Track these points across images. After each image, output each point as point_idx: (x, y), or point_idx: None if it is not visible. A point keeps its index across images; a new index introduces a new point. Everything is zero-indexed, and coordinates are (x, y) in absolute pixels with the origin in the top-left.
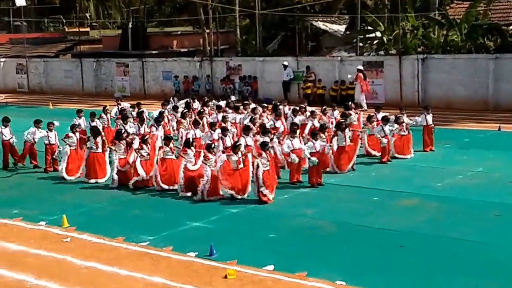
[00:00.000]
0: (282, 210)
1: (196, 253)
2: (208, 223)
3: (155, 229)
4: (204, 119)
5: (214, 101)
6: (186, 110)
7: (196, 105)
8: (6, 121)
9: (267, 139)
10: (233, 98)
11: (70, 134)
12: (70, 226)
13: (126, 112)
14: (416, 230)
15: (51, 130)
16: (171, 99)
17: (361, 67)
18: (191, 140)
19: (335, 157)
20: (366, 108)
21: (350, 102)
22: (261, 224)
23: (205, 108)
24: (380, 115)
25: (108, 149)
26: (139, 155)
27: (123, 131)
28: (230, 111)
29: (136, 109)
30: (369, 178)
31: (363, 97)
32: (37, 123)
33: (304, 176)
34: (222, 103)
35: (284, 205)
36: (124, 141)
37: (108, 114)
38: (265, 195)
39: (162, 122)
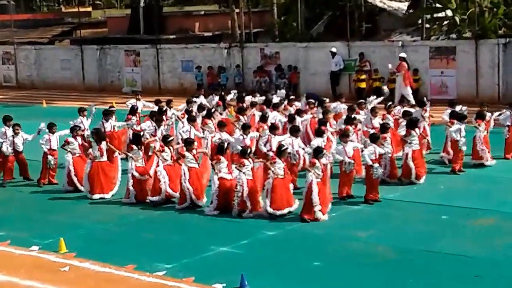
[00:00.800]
0: (329, 232)
1: (224, 284)
2: (238, 247)
3: (173, 255)
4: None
5: (254, 97)
6: (214, 109)
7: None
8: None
9: (319, 142)
10: (281, 93)
11: (70, 139)
12: (68, 252)
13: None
14: (495, 256)
15: (53, 133)
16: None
17: (404, 55)
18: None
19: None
20: (413, 102)
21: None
22: (304, 249)
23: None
24: (447, 112)
25: (119, 154)
26: (161, 158)
27: (142, 133)
28: (267, 109)
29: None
30: (437, 191)
31: (408, 91)
32: (11, 126)
33: (357, 189)
34: (258, 99)
35: (332, 226)
36: (142, 146)
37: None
38: (312, 214)
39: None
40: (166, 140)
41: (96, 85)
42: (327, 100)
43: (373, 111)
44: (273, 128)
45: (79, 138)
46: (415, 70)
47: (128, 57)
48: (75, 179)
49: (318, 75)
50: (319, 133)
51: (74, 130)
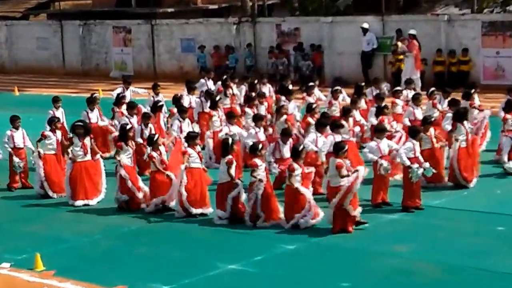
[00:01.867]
0: (361, 246)
1: None
2: (250, 265)
3: (172, 274)
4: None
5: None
6: (219, 97)
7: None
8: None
9: (338, 138)
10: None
11: (47, 132)
12: (46, 270)
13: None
14: None
15: (16, 128)
16: (205, 80)
17: (414, 32)
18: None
19: None
20: (419, 86)
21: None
22: (331, 267)
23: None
24: (504, 102)
25: (101, 157)
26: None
27: (128, 127)
28: (283, 98)
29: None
30: (492, 197)
31: (418, 74)
32: None
33: (394, 195)
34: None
35: (364, 239)
36: (133, 143)
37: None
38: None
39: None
40: (151, 140)
41: (79, 69)
42: (385, 86)
43: (416, 100)
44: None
45: (58, 132)
46: (464, 50)
47: (117, 35)
48: (45, 184)
49: (346, 56)
50: (336, 126)
51: (53, 122)
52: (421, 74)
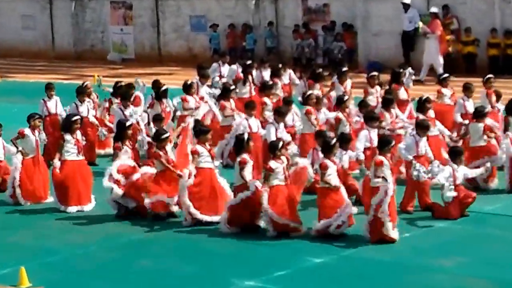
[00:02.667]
0: (400, 259)
1: None
2: (271, 281)
3: None
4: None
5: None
6: (232, 87)
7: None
8: None
9: (374, 132)
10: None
11: (26, 131)
12: (33, 286)
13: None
14: None
15: None
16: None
17: (435, 10)
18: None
19: None
20: (441, 72)
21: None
22: (365, 284)
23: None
24: None
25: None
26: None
27: (128, 123)
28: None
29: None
30: None
31: (441, 59)
32: None
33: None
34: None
35: (404, 251)
36: (131, 143)
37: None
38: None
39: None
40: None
41: (71, 51)
42: (407, 72)
43: (467, 90)
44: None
45: (38, 132)
46: None
47: (115, 12)
48: (17, 191)
49: (384, 37)
50: (371, 118)
51: (32, 119)
52: (447, 57)
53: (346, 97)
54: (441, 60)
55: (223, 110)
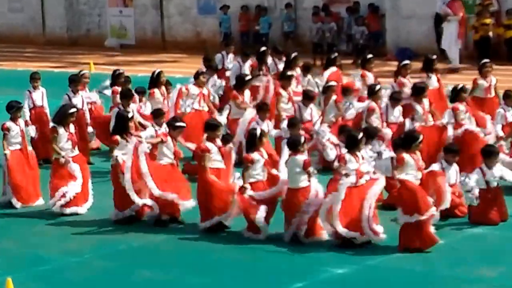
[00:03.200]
0: (435, 269)
1: None
2: None
3: None
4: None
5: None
6: (248, 77)
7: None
8: None
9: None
10: None
11: (8, 123)
12: None
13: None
14: None
15: None
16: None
17: None
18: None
19: None
20: (457, 64)
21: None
22: None
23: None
24: None
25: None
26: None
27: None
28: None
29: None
30: None
31: (459, 44)
32: None
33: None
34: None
35: (437, 260)
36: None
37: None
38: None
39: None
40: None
41: (64, 36)
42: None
43: (509, 98)
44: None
45: (21, 122)
46: None
47: None
48: (8, 190)
49: (415, 20)
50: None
51: (13, 109)
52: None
53: (378, 86)
54: (457, 47)
55: (235, 101)
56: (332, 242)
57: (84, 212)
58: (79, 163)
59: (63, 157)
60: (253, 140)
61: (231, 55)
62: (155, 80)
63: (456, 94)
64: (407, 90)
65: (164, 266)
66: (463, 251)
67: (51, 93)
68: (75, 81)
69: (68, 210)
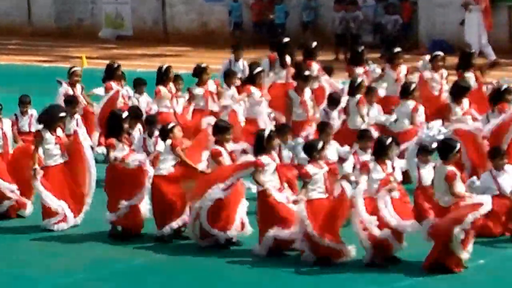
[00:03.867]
0: None
1: None
2: None
3: None
4: None
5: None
6: (258, 69)
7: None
8: None
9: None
10: None
11: None
12: None
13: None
14: None
15: None
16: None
17: None
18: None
19: None
20: (492, 56)
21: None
22: None
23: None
24: None
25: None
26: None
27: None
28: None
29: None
30: None
31: (486, 36)
32: None
33: None
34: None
35: (476, 282)
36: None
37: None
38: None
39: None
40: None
41: (53, 27)
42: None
43: None
44: None
45: (6, 122)
46: None
47: None
48: None
49: (451, 8)
50: None
51: None
52: None
53: (413, 85)
54: (483, 39)
55: (249, 97)
56: (359, 262)
57: (79, 222)
58: (67, 172)
59: (35, 169)
60: (259, 143)
61: (241, 62)
62: (163, 76)
63: (499, 96)
64: (436, 85)
65: (167, 287)
66: (505, 271)
67: (38, 91)
68: (72, 103)
69: (59, 226)
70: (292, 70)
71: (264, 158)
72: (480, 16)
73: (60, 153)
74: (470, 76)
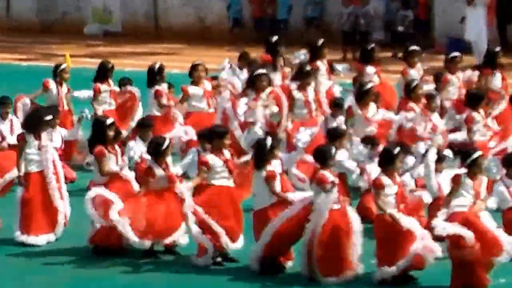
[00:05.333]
0: None
1: None
2: None
3: None
4: None
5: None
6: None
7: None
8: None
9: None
10: None
11: None
12: None
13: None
14: None
15: None
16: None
17: None
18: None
19: None
20: (480, 59)
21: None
22: None
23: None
24: None
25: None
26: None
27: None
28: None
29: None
30: None
31: (485, 33)
32: None
33: None
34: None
35: None
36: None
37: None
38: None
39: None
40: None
41: (34, 21)
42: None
43: None
44: None
45: None
46: None
47: None
48: None
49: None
50: None
51: None
52: None
53: (415, 82)
54: (486, 38)
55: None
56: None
57: (53, 239)
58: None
59: (19, 176)
60: (261, 152)
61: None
62: (156, 76)
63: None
64: (453, 90)
65: None
66: None
67: (16, 92)
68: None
69: (41, 239)
70: (287, 71)
71: (272, 169)
72: (485, 11)
73: (40, 160)
74: (497, 76)
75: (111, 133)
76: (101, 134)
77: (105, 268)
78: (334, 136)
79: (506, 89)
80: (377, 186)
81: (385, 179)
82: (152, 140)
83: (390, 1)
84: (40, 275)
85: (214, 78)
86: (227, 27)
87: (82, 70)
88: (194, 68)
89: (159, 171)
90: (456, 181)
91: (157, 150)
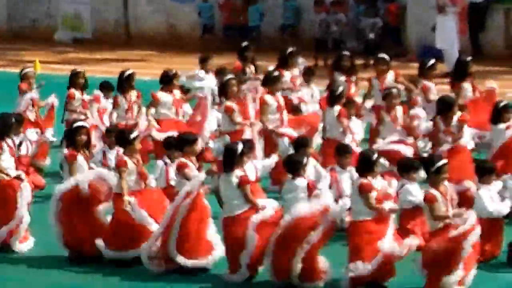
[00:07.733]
0: None
1: None
2: None
3: None
4: None
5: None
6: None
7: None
8: None
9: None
10: None
11: None
12: None
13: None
14: None
15: None
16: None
17: None
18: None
19: None
20: (450, 67)
21: None
22: None
23: None
24: None
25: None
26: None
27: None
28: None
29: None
30: None
31: (457, 43)
32: None
33: None
34: None
35: None
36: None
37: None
38: None
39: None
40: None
41: (3, 28)
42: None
43: None
44: None
45: None
46: None
47: None
48: None
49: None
50: None
51: None
52: None
53: (340, 89)
54: (457, 45)
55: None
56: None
57: (31, 247)
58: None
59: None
60: (230, 157)
61: (209, 75)
62: (124, 83)
63: (498, 114)
64: (434, 97)
65: None
66: None
67: None
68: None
69: (23, 247)
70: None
71: (243, 174)
72: (456, 19)
73: (14, 166)
74: (467, 86)
75: (83, 137)
76: (72, 137)
77: (79, 278)
78: (341, 152)
79: (480, 98)
80: (364, 189)
81: (369, 181)
82: (120, 130)
83: (361, 9)
84: (13, 286)
85: (182, 87)
86: (198, 34)
87: (52, 76)
88: (174, 77)
89: (130, 164)
90: (430, 199)
91: (125, 139)
